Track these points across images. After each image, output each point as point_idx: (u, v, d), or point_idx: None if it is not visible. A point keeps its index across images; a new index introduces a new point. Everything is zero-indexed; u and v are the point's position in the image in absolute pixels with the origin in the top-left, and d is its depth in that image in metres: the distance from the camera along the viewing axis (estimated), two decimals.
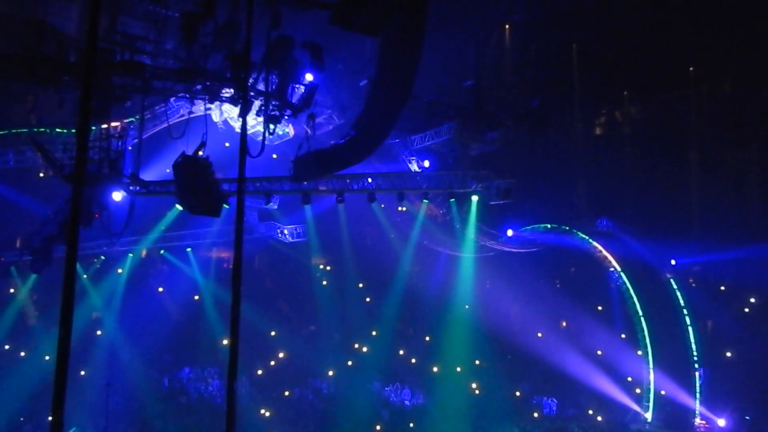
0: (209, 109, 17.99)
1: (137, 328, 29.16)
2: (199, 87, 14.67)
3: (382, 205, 28.74)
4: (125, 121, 18.97)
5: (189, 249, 31.88)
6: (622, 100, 36.28)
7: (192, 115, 16.16)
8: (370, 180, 22.01)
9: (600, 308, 33.46)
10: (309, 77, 14.61)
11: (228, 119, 22.86)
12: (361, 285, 34.04)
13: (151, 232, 30.24)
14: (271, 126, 14.02)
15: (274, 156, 24.55)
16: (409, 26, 11.26)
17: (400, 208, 28.68)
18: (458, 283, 32.08)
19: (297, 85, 14.57)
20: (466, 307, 32.31)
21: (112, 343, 27.79)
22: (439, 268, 31.88)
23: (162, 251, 32.03)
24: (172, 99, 20.32)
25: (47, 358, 25.34)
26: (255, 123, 18.49)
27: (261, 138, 11.62)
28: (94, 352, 27.38)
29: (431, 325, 32.55)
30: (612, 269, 30.55)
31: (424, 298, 32.80)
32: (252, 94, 14.39)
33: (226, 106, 21.16)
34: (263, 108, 13.79)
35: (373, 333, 32.00)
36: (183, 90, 15.11)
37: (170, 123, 18.74)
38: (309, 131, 15.93)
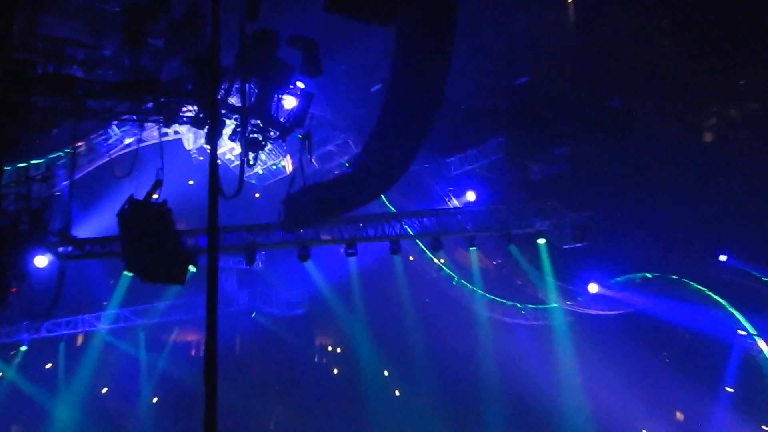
0: (165, 134, 18.53)
1: None
2: (150, 105, 15.04)
3: (411, 257, 29.13)
4: (51, 157, 19.54)
5: (142, 332, 32.09)
6: (739, 94, 36.11)
7: (142, 144, 16.75)
8: (392, 223, 22.46)
9: (730, 390, 32.56)
10: (300, 85, 15.31)
11: (204, 146, 23.65)
12: (386, 373, 34.40)
13: (90, 309, 30.50)
14: (251, 155, 14.71)
15: (257, 195, 25.70)
16: (436, 6, 11.68)
17: (436, 261, 29.00)
18: (523, 361, 31.64)
19: (284, 96, 15.20)
20: (544, 392, 31.74)
21: None
22: (500, 344, 31.98)
23: (106, 336, 32.16)
24: (114, 124, 20.90)
25: None
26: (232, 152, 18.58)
27: (239, 172, 12.43)
28: None
29: (495, 426, 32.19)
30: (744, 332, 29.73)
31: (481, 386, 32.71)
32: (223, 111, 14.79)
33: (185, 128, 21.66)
34: (239, 129, 14.69)
35: None
36: (129, 110, 15.51)
37: (113, 157, 19.68)
38: (304, 160, 16.19)
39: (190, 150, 23.75)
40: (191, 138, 23.25)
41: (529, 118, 25.39)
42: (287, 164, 24.15)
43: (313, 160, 16.91)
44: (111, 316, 31.06)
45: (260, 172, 26.17)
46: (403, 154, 15.01)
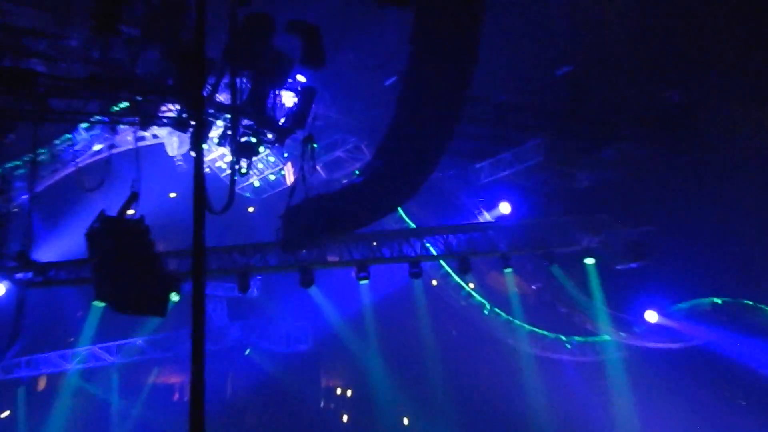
0: (142, 138, 18.94)
1: None
2: (124, 104, 15.21)
3: (434, 282, 29.02)
4: (8, 166, 19.61)
5: (116, 373, 31.98)
6: None
7: (115, 151, 16.89)
8: (411, 241, 22.46)
9: None
10: (301, 79, 16.25)
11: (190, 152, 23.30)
12: (406, 421, 34.36)
13: (55, 346, 30.51)
14: (244, 162, 15.04)
15: (251, 210, 25.97)
16: None
17: (464, 285, 28.96)
18: (571, 404, 31.42)
19: (282, 92, 15.53)
20: None
21: None
22: (543, 384, 31.65)
23: (73, 378, 32.16)
24: (81, 127, 21.01)
25: None
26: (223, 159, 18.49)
27: (229, 182, 12.22)
28: None
29: None
30: None
31: None
32: (210, 110, 14.92)
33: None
34: (229, 132, 15.03)
35: None
36: (99, 111, 15.59)
37: (80, 166, 19.67)
38: (307, 167, 16.55)
39: (173, 157, 23.80)
40: (175, 143, 23.21)
41: (573, 116, 25.23)
42: (288, 174, 24.42)
43: (318, 167, 16.92)
44: (80, 355, 31.11)
45: (256, 183, 26.29)
46: (423, 158, 15.66)
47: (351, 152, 24.99)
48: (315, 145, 16.44)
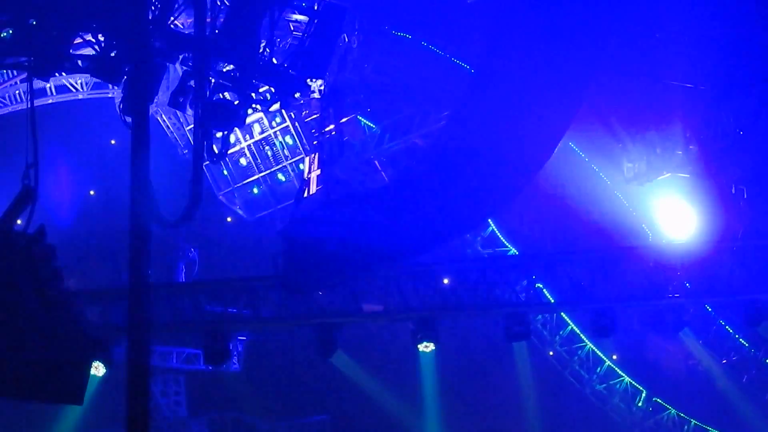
0: (42, 92, 18.81)
1: None
2: (8, 40, 12.97)
3: (551, 353, 24.81)
4: None
5: None
6: None
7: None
8: (510, 278, 18.63)
9: None
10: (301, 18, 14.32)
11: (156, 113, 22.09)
12: None
13: None
14: (219, 136, 12.83)
15: (229, 220, 22.95)
16: None
17: (606, 360, 24.82)
18: None
19: (285, 14, 14.42)
20: None
21: None
22: None
23: None
24: None
25: None
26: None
27: (192, 170, 10.71)
28: None
29: None
30: None
31: None
32: (159, 45, 12.59)
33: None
34: (193, 85, 12.66)
35: None
36: None
37: None
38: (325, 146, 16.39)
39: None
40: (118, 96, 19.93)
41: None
42: (309, 171, 20.13)
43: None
44: None
45: (255, 191, 23.06)
46: (536, 132, 12.90)
47: (404, 125, 21.13)
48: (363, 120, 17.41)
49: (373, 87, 22.17)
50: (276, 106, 14.42)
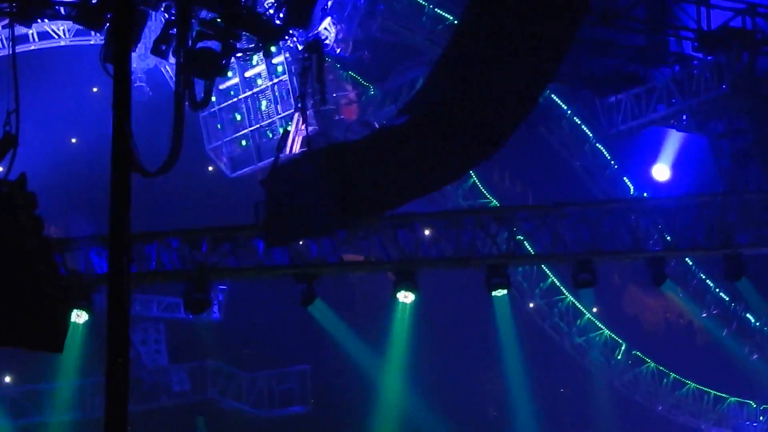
0: (25, 39, 19.73)
1: None
2: None
3: (531, 304, 25.03)
4: None
5: None
6: None
7: None
8: (491, 229, 18.44)
9: None
10: None
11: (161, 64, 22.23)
12: None
13: None
14: (206, 85, 12.70)
15: (211, 169, 23.47)
16: None
17: (583, 310, 24.91)
18: None
19: None
20: None
21: None
22: None
23: None
24: None
25: None
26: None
27: (174, 120, 10.28)
28: None
29: None
30: None
31: None
32: None
33: None
34: (175, 32, 12.43)
35: None
36: None
37: None
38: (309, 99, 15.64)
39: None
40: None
41: None
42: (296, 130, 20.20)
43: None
44: None
45: (243, 143, 22.93)
46: (516, 85, 12.16)
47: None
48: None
49: (379, 45, 22.21)
50: (257, 60, 14.14)
